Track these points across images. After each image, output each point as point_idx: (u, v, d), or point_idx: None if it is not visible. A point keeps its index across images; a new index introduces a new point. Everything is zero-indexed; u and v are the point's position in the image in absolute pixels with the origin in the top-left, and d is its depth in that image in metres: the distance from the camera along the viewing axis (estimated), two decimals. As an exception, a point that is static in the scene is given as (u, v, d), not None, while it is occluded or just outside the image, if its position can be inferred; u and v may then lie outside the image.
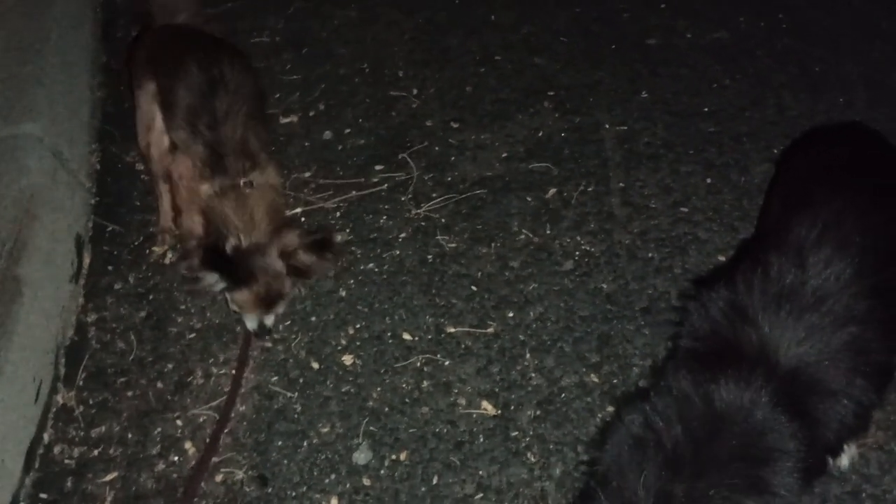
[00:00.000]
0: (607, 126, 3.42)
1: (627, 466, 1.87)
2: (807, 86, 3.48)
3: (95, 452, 2.61)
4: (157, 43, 3.11)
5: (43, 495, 2.52)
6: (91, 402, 2.73)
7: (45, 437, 2.65)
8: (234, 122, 2.82)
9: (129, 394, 2.74)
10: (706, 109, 3.44)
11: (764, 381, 1.94)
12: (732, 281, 2.13)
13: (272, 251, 2.71)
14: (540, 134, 3.43)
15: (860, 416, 2.07)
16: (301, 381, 2.74)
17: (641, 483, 1.82)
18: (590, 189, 3.20)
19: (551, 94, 3.58)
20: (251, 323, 2.78)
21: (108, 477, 2.56)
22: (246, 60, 3.12)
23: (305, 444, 2.59)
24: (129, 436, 2.64)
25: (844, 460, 2.42)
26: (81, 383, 2.78)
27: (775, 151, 3.21)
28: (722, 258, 2.92)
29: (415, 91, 3.64)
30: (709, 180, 3.18)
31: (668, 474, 1.84)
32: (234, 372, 2.74)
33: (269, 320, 2.81)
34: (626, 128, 3.40)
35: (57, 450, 2.62)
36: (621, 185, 3.20)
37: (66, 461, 2.60)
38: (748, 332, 2.03)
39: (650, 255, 2.98)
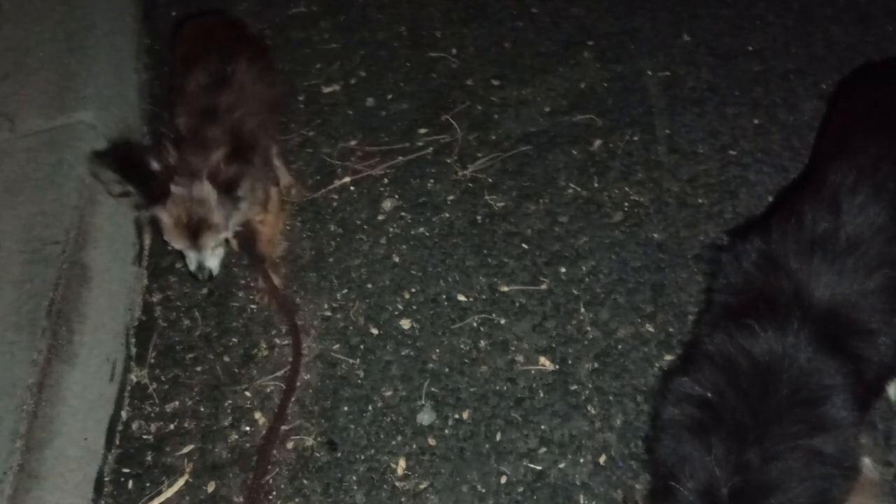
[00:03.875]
0: (650, 73, 3.39)
1: (693, 451, 1.88)
2: (854, 17, 3.40)
3: (171, 427, 2.72)
4: (187, 38, 3.17)
5: (126, 470, 2.64)
6: (163, 378, 2.84)
7: (123, 414, 2.76)
8: (232, 118, 2.80)
9: (199, 369, 2.84)
10: (750, 48, 3.39)
11: (800, 324, 1.96)
12: (766, 231, 2.13)
13: (199, 176, 2.59)
14: (582, 85, 3.41)
15: None
16: (362, 347, 2.81)
17: (714, 462, 1.84)
18: (635, 138, 3.19)
19: (591, 44, 3.55)
20: (190, 262, 2.73)
21: (186, 449, 2.67)
22: (264, 63, 3.11)
23: (370, 408, 2.67)
24: (202, 409, 2.75)
25: (907, 397, 2.43)
26: (153, 361, 2.88)
27: (824, 87, 3.16)
28: (773, 200, 2.90)
29: (454, 51, 3.64)
30: (756, 121, 3.15)
31: (736, 444, 1.86)
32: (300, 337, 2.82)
33: (211, 261, 2.73)
34: (668, 73, 3.37)
35: (135, 426, 2.74)
36: (667, 132, 3.18)
37: (145, 436, 2.72)
38: (781, 281, 2.04)
39: (700, 201, 2.97)
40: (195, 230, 2.64)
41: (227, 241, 2.82)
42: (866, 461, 2.22)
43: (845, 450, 1.91)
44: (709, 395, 1.94)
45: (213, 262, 2.74)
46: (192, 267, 2.74)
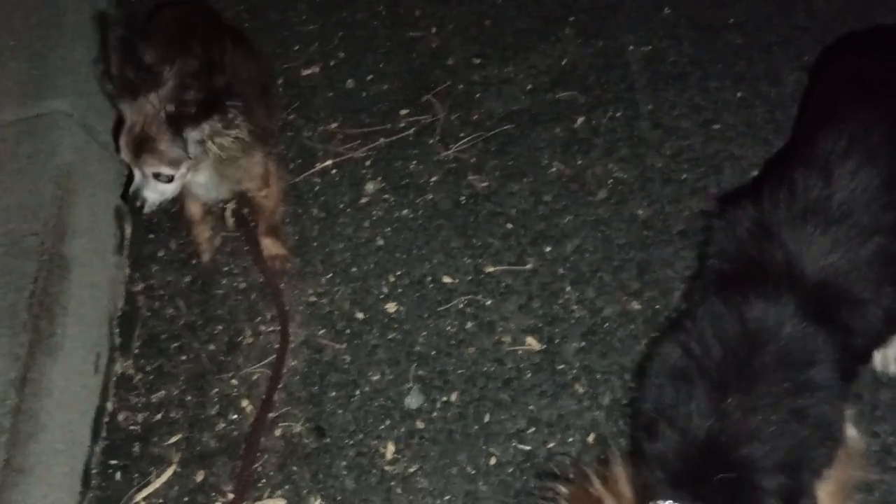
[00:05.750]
0: (631, 48, 3.35)
1: (675, 399, 1.90)
2: (836, -15, 3.36)
3: (158, 417, 2.71)
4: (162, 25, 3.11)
5: (113, 461, 2.64)
6: (148, 368, 2.82)
7: (109, 405, 2.75)
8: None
9: (184, 358, 2.82)
10: (732, 21, 3.34)
11: (790, 295, 1.95)
12: (758, 198, 2.12)
13: (166, 95, 2.51)
14: (563, 62, 3.37)
15: (890, 322, 2.08)
16: (348, 332, 2.79)
17: (694, 410, 1.85)
18: (618, 114, 3.16)
19: (572, 19, 3.50)
20: (133, 183, 2.63)
21: (173, 439, 2.66)
22: (249, 46, 3.12)
23: (358, 392, 2.66)
24: (188, 398, 2.73)
25: (893, 367, 2.43)
26: (137, 351, 2.87)
27: (807, 59, 3.13)
28: (757, 173, 2.88)
29: (433, 30, 3.59)
30: (739, 94, 3.12)
31: (718, 395, 1.87)
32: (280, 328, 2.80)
33: (149, 192, 2.61)
34: (650, 48, 3.33)
35: (121, 417, 2.73)
36: (650, 107, 3.15)
37: (132, 427, 2.70)
38: (773, 250, 2.03)
39: (684, 176, 2.95)
40: (140, 146, 2.54)
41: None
42: (853, 432, 2.23)
43: (827, 417, 1.93)
44: (696, 350, 1.95)
45: (150, 194, 2.62)
46: (131, 188, 2.63)
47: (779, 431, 1.84)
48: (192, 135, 2.54)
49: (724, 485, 1.80)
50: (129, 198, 2.65)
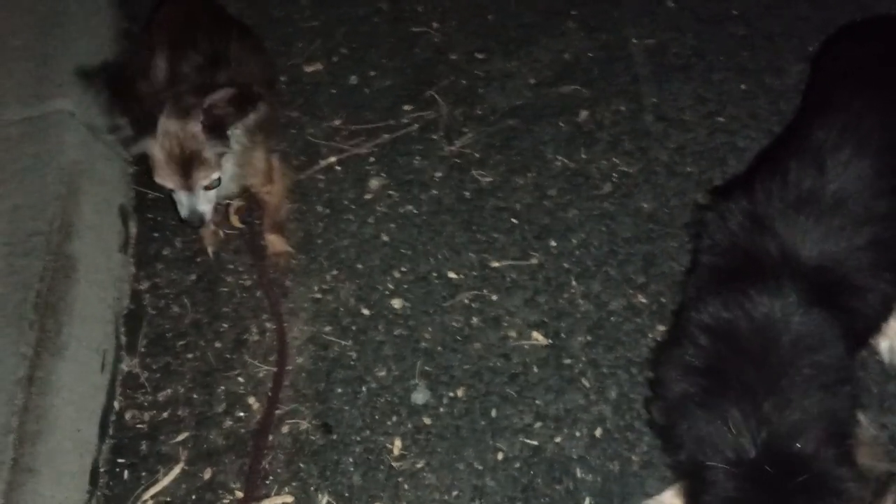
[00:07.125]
0: (635, 41, 3.35)
1: (710, 428, 1.88)
2: (839, -25, 3.36)
3: (165, 415, 2.71)
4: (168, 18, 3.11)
5: (121, 460, 2.63)
6: (154, 367, 2.82)
7: (116, 404, 2.75)
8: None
9: (190, 356, 2.82)
10: (735, 12, 3.35)
11: (791, 285, 1.96)
12: (751, 190, 2.12)
13: (193, 111, 2.50)
14: (566, 56, 3.37)
15: (887, 307, 2.12)
16: (353, 328, 2.79)
17: (733, 429, 1.84)
18: (622, 108, 3.16)
19: (574, 13, 3.50)
20: (181, 207, 2.60)
21: (180, 437, 2.65)
22: (255, 40, 3.12)
23: (364, 389, 2.66)
24: (195, 396, 2.73)
25: (898, 358, 2.44)
26: (143, 349, 2.86)
27: (810, 49, 3.13)
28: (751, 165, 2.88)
29: (436, 25, 3.59)
30: (743, 86, 3.12)
31: (749, 404, 1.86)
32: (284, 325, 2.80)
33: (203, 206, 2.60)
34: (654, 40, 3.33)
35: (128, 416, 2.72)
36: (654, 100, 3.15)
37: (139, 425, 2.70)
38: (768, 243, 2.03)
39: (689, 169, 2.95)
40: (187, 166, 2.52)
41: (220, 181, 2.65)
42: (862, 417, 2.23)
43: (847, 388, 1.95)
44: (712, 364, 1.94)
45: (205, 206, 2.61)
46: (184, 212, 2.61)
47: (818, 413, 1.85)
48: (235, 131, 2.57)
49: (798, 486, 1.78)
50: (188, 221, 2.63)
